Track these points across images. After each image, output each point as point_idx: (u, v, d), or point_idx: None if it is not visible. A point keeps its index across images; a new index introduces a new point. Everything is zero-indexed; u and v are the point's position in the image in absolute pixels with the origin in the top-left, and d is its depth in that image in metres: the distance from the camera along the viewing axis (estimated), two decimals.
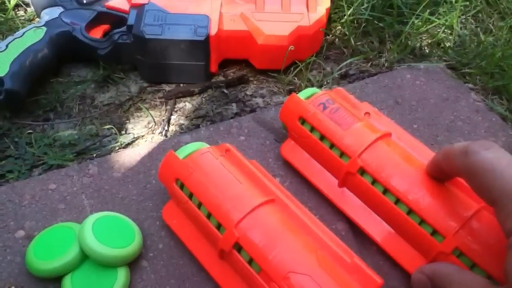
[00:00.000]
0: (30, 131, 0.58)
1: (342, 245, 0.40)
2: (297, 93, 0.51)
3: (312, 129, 0.48)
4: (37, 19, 0.73)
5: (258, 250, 0.38)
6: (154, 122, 0.60)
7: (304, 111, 0.48)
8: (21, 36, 0.60)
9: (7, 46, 0.59)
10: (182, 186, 0.43)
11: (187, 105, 0.62)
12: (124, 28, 0.62)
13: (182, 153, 0.44)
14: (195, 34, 0.59)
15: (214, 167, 0.43)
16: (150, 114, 0.60)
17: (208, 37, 0.59)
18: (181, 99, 0.63)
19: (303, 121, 0.49)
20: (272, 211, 0.40)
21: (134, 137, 0.57)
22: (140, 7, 0.62)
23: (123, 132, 0.58)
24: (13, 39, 0.60)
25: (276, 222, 0.39)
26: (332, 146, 0.47)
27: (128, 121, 0.60)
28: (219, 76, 0.66)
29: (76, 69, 0.66)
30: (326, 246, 0.39)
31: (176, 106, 0.62)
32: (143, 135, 0.58)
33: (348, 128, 0.46)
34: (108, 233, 0.42)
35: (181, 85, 0.64)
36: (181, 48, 0.60)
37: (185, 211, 0.44)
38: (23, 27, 0.70)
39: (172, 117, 0.60)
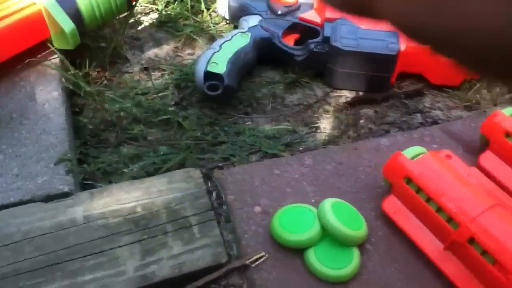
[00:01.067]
0: (234, 122, 0.66)
1: None
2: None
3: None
4: (222, 23, 0.82)
5: (494, 244, 0.44)
6: (344, 124, 0.67)
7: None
8: (230, 39, 0.69)
9: (220, 47, 0.67)
10: (408, 182, 0.50)
11: (369, 111, 0.69)
12: (319, 39, 0.69)
13: (407, 154, 0.51)
14: (388, 49, 0.66)
15: (443, 168, 0.49)
16: (338, 117, 0.68)
17: (398, 52, 0.66)
18: (363, 105, 0.70)
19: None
20: (503, 213, 0.46)
21: (330, 136, 0.65)
22: (333, 21, 0.69)
23: (319, 130, 0.66)
24: (224, 41, 0.68)
25: (509, 221, 0.45)
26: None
27: (319, 121, 0.67)
28: (394, 88, 0.72)
29: (265, 71, 0.74)
30: None
31: (360, 112, 0.69)
32: (337, 135, 0.65)
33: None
34: (343, 216, 0.49)
35: (360, 93, 0.71)
36: (372, 60, 0.67)
37: (409, 205, 0.50)
38: (214, 29, 0.79)
39: (360, 121, 0.67)
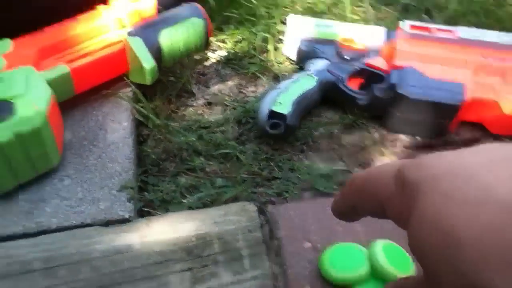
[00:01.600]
0: (289, 159, 0.68)
1: None
2: None
3: None
4: (286, 62, 0.85)
5: None
6: None
7: None
8: (296, 80, 0.71)
9: (286, 87, 0.70)
10: None
11: None
12: (384, 85, 0.71)
13: None
14: (453, 99, 0.67)
15: None
16: (393, 159, 0.68)
17: (463, 102, 0.67)
18: (420, 150, 0.70)
19: None
20: None
21: None
22: (401, 69, 0.71)
23: None
24: (290, 82, 0.71)
25: None
26: None
27: (373, 163, 0.68)
28: (452, 134, 0.72)
29: (324, 111, 0.76)
30: None
31: (415, 156, 0.69)
32: None
33: None
34: (393, 257, 0.50)
35: (417, 137, 0.72)
36: (435, 109, 0.68)
37: None
38: (278, 69, 0.82)
39: None
